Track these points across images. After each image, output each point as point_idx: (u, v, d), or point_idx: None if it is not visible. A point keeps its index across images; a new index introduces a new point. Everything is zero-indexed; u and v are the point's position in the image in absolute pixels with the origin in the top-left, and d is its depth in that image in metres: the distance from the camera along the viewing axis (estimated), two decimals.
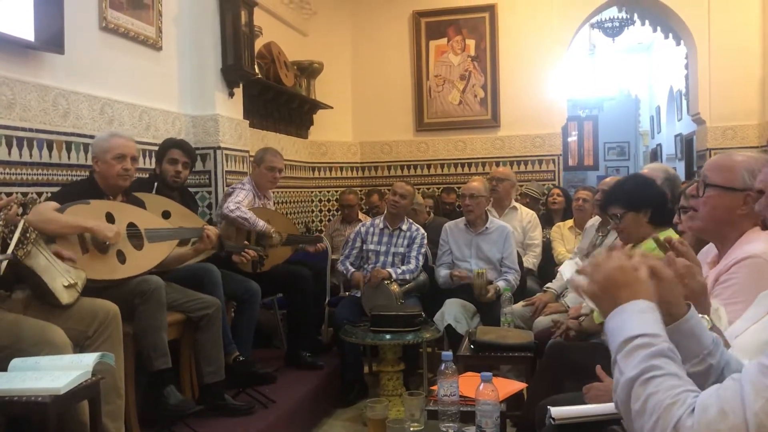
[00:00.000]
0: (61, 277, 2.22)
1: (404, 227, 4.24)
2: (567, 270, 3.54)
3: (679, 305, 1.21)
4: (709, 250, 1.97)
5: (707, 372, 1.19)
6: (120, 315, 2.35)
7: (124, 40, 3.55)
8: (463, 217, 4.20)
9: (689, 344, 1.18)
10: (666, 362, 1.02)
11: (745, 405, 0.91)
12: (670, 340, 1.07)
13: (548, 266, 4.61)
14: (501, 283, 3.91)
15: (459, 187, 4.64)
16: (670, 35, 6.51)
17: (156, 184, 3.36)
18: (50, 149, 3.02)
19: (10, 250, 2.04)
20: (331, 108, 6.05)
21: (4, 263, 2.03)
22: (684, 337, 1.18)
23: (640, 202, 2.59)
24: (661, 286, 1.19)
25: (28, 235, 2.13)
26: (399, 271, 4.07)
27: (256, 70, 4.62)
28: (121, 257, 2.66)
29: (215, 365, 2.99)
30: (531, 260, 4.59)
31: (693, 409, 0.94)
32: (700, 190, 1.85)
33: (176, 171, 3.36)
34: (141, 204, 2.97)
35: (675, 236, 2.46)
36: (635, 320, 1.07)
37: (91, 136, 3.25)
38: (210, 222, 3.91)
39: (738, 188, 1.77)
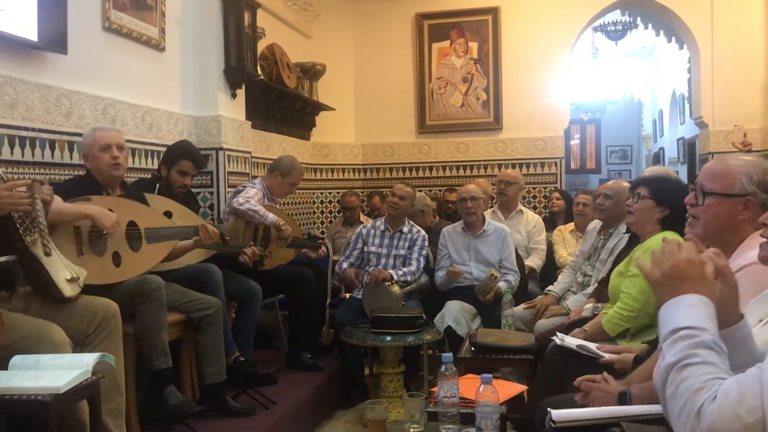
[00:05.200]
0: (63, 270, 2.21)
1: (405, 229, 4.23)
2: (572, 304, 3.54)
3: (734, 312, 1.22)
4: None
5: None
6: (120, 313, 2.35)
7: (127, 40, 3.56)
8: (461, 221, 4.20)
9: (738, 353, 1.19)
10: (706, 352, 1.05)
11: (763, 388, 0.95)
12: None
13: (549, 269, 4.61)
14: (502, 284, 3.91)
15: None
16: (673, 39, 6.51)
17: (158, 185, 3.36)
18: (53, 149, 3.03)
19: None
20: (334, 110, 6.05)
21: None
22: (734, 345, 1.18)
23: (666, 199, 2.65)
24: (722, 289, 1.20)
25: (36, 222, 2.13)
26: (400, 272, 4.06)
27: (259, 72, 4.62)
28: (117, 260, 2.64)
29: (216, 366, 2.99)
30: (535, 261, 4.58)
31: (715, 397, 0.98)
32: (698, 198, 1.84)
33: (184, 183, 3.38)
34: (141, 198, 2.97)
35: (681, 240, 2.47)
36: (687, 313, 1.11)
37: None
38: (213, 222, 3.92)
39: (737, 194, 1.76)
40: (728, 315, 1.20)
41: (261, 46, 4.85)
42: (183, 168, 3.35)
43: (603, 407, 1.80)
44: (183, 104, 4.08)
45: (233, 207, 3.69)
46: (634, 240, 3.00)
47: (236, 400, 3.09)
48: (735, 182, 1.76)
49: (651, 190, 2.69)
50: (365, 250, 4.24)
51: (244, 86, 4.38)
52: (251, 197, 3.71)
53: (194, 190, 3.85)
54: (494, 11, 6.00)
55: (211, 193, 4.13)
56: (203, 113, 4.13)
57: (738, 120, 5.72)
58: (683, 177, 7.70)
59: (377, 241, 4.24)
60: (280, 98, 5.29)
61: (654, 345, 2.28)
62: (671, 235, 2.59)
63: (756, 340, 1.31)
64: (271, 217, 3.70)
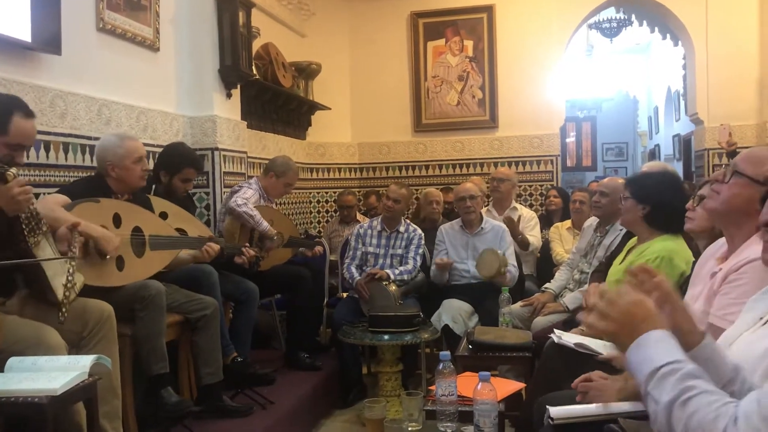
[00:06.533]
0: (62, 275, 2.21)
1: (401, 229, 4.23)
2: (569, 301, 3.54)
3: (694, 332, 1.22)
4: (720, 246, 1.96)
5: None
6: (114, 315, 2.34)
7: (121, 41, 3.55)
8: (459, 219, 4.21)
9: (708, 372, 1.18)
10: (698, 382, 1.04)
11: None
12: None
13: (547, 267, 4.61)
14: (507, 274, 3.91)
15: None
16: (668, 36, 6.52)
17: (154, 186, 3.34)
18: (47, 150, 3.01)
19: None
20: (329, 109, 6.05)
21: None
22: (702, 364, 1.17)
23: (645, 197, 2.68)
24: (675, 313, 1.21)
25: (41, 225, 2.12)
26: (397, 271, 4.06)
27: (254, 71, 4.62)
28: (120, 264, 2.64)
29: (213, 366, 2.98)
30: (533, 240, 4.59)
31: (736, 419, 0.96)
32: (727, 176, 1.84)
33: (186, 189, 3.39)
34: (147, 203, 2.96)
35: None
36: (657, 350, 1.10)
37: (89, 137, 3.25)
38: (208, 224, 3.92)
39: (763, 182, 1.76)
40: (690, 336, 1.21)
41: (256, 45, 4.84)
42: (187, 176, 3.36)
43: (601, 404, 1.80)
44: (178, 104, 4.07)
45: (230, 207, 3.68)
46: (630, 238, 3.02)
47: (234, 401, 3.09)
48: (766, 171, 1.76)
49: (632, 189, 2.74)
50: (363, 250, 4.24)
51: (239, 86, 4.37)
52: (249, 198, 3.70)
53: (190, 191, 3.84)
54: (489, 9, 6.00)
55: (207, 194, 4.12)
56: (198, 113, 4.12)
57: (733, 116, 5.72)
58: (679, 173, 7.70)
59: (374, 241, 4.23)
60: (275, 98, 5.28)
61: None
62: (668, 242, 2.59)
63: (758, 341, 1.30)
64: (264, 225, 3.69)
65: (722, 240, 1.95)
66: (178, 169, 3.33)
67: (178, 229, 3.04)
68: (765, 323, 1.36)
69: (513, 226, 4.39)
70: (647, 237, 2.71)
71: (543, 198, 5.79)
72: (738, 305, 1.65)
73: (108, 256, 2.53)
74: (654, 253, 2.59)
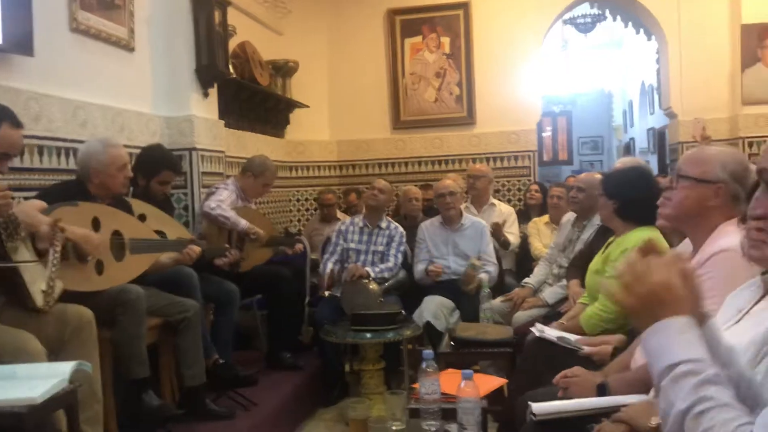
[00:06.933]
0: (40, 281, 2.18)
1: (383, 225, 4.24)
2: (548, 296, 3.58)
3: (702, 312, 1.19)
4: (686, 247, 2.00)
5: None
6: (94, 320, 2.32)
7: (95, 41, 3.49)
8: (439, 215, 4.24)
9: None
10: (716, 391, 1.00)
11: None
12: None
13: (525, 262, 4.65)
14: (484, 276, 3.93)
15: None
16: (641, 30, 6.62)
17: (132, 189, 3.30)
18: (21, 153, 2.96)
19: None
20: (308, 107, 6.03)
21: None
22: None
23: (612, 192, 2.75)
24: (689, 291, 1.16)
25: (19, 230, 2.09)
26: (377, 269, 4.07)
27: (231, 70, 4.58)
28: (100, 267, 2.60)
29: (196, 369, 2.97)
30: (512, 239, 4.63)
31: None
32: (674, 182, 1.89)
33: (164, 192, 3.36)
34: (127, 207, 2.93)
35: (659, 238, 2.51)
36: (678, 342, 1.05)
37: (64, 140, 3.20)
38: (187, 225, 3.89)
39: (710, 180, 1.80)
40: (697, 315, 1.17)
41: (232, 44, 4.80)
42: (165, 179, 3.33)
43: (582, 399, 1.83)
44: (154, 105, 4.02)
45: (204, 211, 3.66)
46: (605, 231, 3.06)
47: (216, 403, 3.07)
48: (710, 169, 1.81)
49: (603, 186, 2.83)
50: (344, 246, 4.24)
51: (216, 85, 4.33)
52: (223, 200, 3.67)
53: (168, 193, 3.79)
54: (465, 6, 6.03)
55: (186, 194, 4.08)
56: (175, 113, 4.08)
57: (705, 109, 5.83)
58: (654, 167, 7.83)
59: (356, 237, 4.24)
60: (252, 96, 5.25)
61: (631, 336, 2.31)
62: (645, 232, 2.63)
63: (736, 337, 1.32)
64: (242, 224, 3.66)
65: (688, 241, 1.99)
66: (155, 172, 3.30)
67: (157, 232, 3.01)
68: (741, 318, 1.39)
69: (499, 230, 4.42)
70: (623, 230, 2.76)
71: (522, 193, 5.84)
72: (709, 299, 1.69)
73: (90, 258, 2.50)
74: (631, 242, 2.63)
